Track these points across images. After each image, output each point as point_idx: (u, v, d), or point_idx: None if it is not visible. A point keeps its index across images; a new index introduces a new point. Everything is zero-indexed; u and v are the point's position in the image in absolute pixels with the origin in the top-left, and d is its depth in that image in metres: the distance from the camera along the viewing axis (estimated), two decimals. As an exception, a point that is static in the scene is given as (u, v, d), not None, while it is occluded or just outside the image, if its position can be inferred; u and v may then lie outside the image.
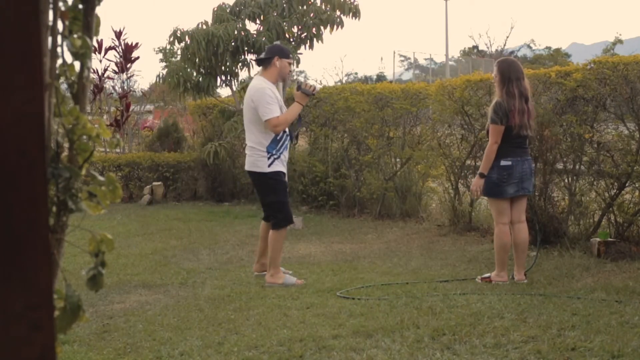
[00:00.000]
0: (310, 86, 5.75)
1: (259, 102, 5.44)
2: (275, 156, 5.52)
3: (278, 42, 6.25)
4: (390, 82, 15.61)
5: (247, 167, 5.67)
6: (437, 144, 8.07)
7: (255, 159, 5.53)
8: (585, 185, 6.70)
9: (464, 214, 7.66)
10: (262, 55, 5.83)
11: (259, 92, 5.48)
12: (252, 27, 9.96)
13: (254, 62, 10.14)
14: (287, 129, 5.63)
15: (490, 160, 5.34)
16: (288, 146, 5.67)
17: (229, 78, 10.23)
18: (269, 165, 5.49)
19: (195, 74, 10.02)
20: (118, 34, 13.30)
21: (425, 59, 50.88)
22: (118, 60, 13.55)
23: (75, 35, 1.15)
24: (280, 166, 5.57)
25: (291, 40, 9.79)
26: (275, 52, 5.68)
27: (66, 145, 1.16)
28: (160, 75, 10.65)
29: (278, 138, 5.53)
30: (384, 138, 8.91)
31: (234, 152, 10.97)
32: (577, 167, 6.70)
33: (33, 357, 0.95)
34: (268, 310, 4.68)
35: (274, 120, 5.42)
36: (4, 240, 0.94)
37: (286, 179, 5.72)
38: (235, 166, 11.19)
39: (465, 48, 48.41)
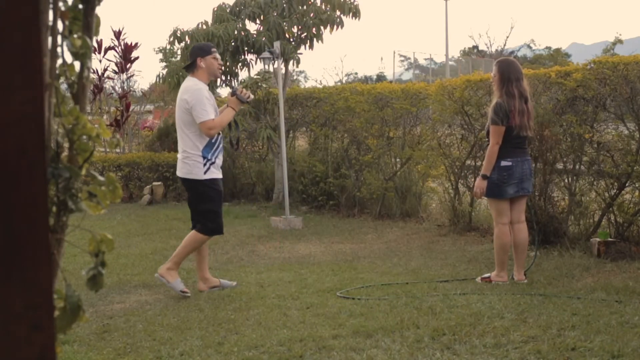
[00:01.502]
0: (246, 93, 5.53)
1: (194, 103, 5.21)
2: (211, 161, 5.31)
3: (201, 44, 5.87)
4: (390, 82, 15.61)
5: (180, 174, 5.42)
6: (437, 144, 8.07)
7: (191, 166, 5.29)
8: (585, 185, 6.70)
9: (464, 214, 7.66)
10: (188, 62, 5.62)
11: (196, 92, 5.25)
12: (252, 27, 9.97)
13: (254, 62, 10.18)
14: (221, 133, 5.45)
15: (492, 161, 5.34)
16: (222, 151, 5.48)
17: (229, 78, 10.24)
18: (205, 172, 5.28)
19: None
20: (118, 34, 13.30)
21: (425, 59, 50.91)
22: (118, 60, 13.55)
23: (75, 35, 1.15)
24: (216, 172, 5.35)
25: (291, 40, 9.79)
26: (197, 53, 5.44)
27: (66, 145, 1.16)
28: (160, 75, 10.66)
29: (213, 141, 5.32)
30: (384, 138, 8.91)
31: (234, 152, 10.97)
32: (577, 167, 6.70)
33: (33, 357, 0.95)
34: (268, 310, 4.68)
35: (209, 122, 5.20)
36: (4, 240, 0.94)
37: (221, 186, 5.47)
38: (235, 166, 11.19)
39: (465, 48, 48.44)
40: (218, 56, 5.52)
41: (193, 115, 5.23)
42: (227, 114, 5.42)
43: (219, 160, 5.40)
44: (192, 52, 5.54)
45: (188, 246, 5.35)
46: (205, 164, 5.29)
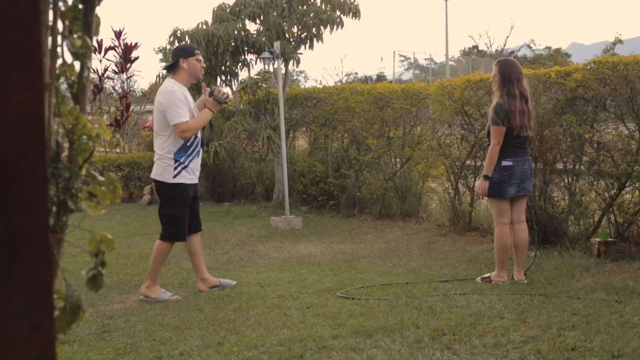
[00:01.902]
0: (224, 94, 5.38)
1: (168, 105, 5.10)
2: (184, 164, 5.19)
3: (184, 45, 5.62)
4: (390, 82, 15.61)
5: (152, 175, 5.34)
6: (437, 144, 8.07)
7: (162, 168, 5.19)
8: (585, 185, 6.70)
9: (464, 214, 7.66)
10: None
11: (170, 94, 5.15)
12: (252, 27, 9.97)
13: (254, 62, 10.17)
14: (198, 135, 5.31)
15: (494, 161, 5.34)
16: (200, 153, 5.36)
17: (229, 78, 10.24)
18: (174, 176, 5.17)
19: (195, 74, 10.00)
20: (118, 34, 13.30)
21: (425, 59, 50.93)
22: (118, 60, 13.55)
23: (75, 35, 1.15)
24: (186, 177, 5.21)
25: (291, 40, 9.79)
26: (179, 54, 5.33)
27: (66, 145, 1.16)
28: (160, 75, 10.65)
29: (188, 145, 5.21)
30: (384, 138, 8.91)
31: (234, 152, 10.97)
32: (577, 167, 6.70)
33: (33, 357, 0.95)
34: (268, 310, 4.68)
35: (182, 125, 5.08)
36: (4, 240, 0.94)
37: (194, 192, 5.34)
38: (235, 166, 11.19)
39: (465, 48, 48.42)
40: (201, 58, 5.44)
41: (167, 118, 5.14)
42: (203, 116, 5.30)
43: (194, 164, 5.28)
44: (175, 53, 5.42)
45: (155, 258, 5.25)
46: (176, 167, 5.18)
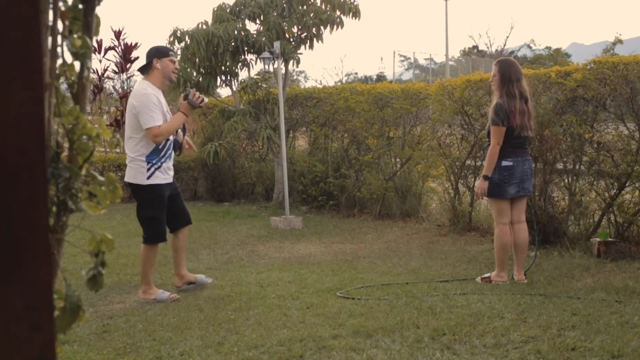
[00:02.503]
0: (199, 97, 5.29)
1: (141, 108, 5.04)
2: (156, 166, 5.15)
3: (159, 46, 5.49)
4: (390, 82, 15.61)
5: (126, 178, 5.26)
6: (437, 144, 8.07)
7: (135, 171, 5.14)
8: (585, 185, 6.70)
9: (464, 214, 7.66)
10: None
11: (144, 97, 5.07)
12: (252, 27, 9.97)
13: (254, 62, 10.18)
14: (170, 137, 5.27)
15: (494, 161, 5.33)
16: (172, 155, 5.33)
17: (229, 78, 10.24)
18: (148, 178, 5.13)
19: (195, 74, 10.02)
20: (118, 34, 13.30)
21: (425, 59, 50.93)
22: (118, 60, 13.54)
23: (75, 35, 1.15)
24: (160, 178, 5.18)
25: (291, 40, 9.79)
26: (153, 55, 5.25)
27: (66, 145, 1.16)
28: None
29: (160, 147, 5.17)
30: (384, 138, 8.91)
31: (234, 152, 10.97)
32: (577, 167, 6.70)
33: (33, 357, 0.95)
34: (268, 310, 4.68)
35: (155, 129, 5.03)
36: (4, 240, 0.94)
37: (169, 192, 5.31)
38: (235, 166, 11.19)
39: (465, 48, 48.41)
40: (175, 60, 5.39)
41: (140, 121, 5.08)
42: (176, 120, 5.24)
43: (166, 165, 5.24)
44: (149, 53, 5.33)
45: (144, 263, 5.24)
46: (149, 169, 5.14)
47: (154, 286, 5.27)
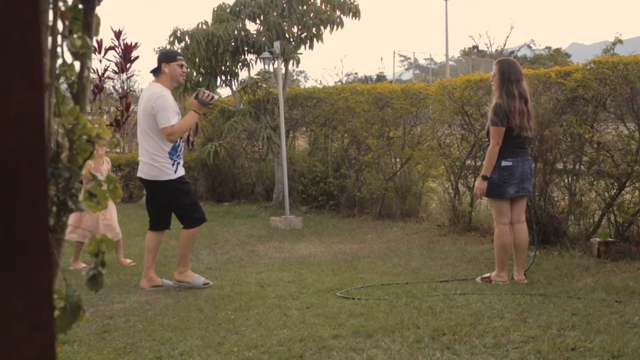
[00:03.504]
0: (208, 95, 5.55)
1: (159, 109, 5.37)
2: (177, 161, 5.51)
3: (167, 50, 6.06)
4: (390, 82, 15.61)
5: (147, 177, 5.51)
6: (437, 144, 8.07)
7: (159, 168, 5.44)
8: (585, 185, 6.70)
9: (464, 214, 7.66)
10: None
11: (161, 99, 5.41)
12: (252, 27, 9.97)
13: (254, 62, 10.18)
14: (181, 137, 5.59)
15: (493, 161, 5.33)
16: (183, 153, 5.66)
17: (229, 78, 10.24)
18: (175, 172, 5.48)
19: (195, 73, 10.03)
20: (118, 34, 13.29)
21: (425, 59, 50.89)
22: (118, 60, 13.54)
23: (75, 35, 1.15)
24: (182, 170, 5.57)
25: (291, 40, 9.79)
26: (162, 59, 5.60)
27: (66, 145, 1.16)
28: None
29: (176, 144, 5.51)
30: (384, 138, 8.91)
31: (234, 152, 10.97)
32: (577, 167, 6.70)
33: (33, 357, 0.95)
34: (268, 310, 4.68)
35: (168, 129, 5.36)
36: (4, 240, 0.94)
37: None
38: (235, 166, 11.19)
39: (465, 48, 48.42)
40: (183, 63, 5.68)
41: (157, 120, 5.39)
42: (188, 118, 5.55)
43: (181, 160, 5.60)
44: (158, 58, 5.70)
45: (186, 244, 5.58)
46: (173, 164, 5.47)
47: (190, 270, 5.60)
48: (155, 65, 5.62)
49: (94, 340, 4.17)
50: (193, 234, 5.61)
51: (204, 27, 9.86)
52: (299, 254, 6.87)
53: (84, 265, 6.22)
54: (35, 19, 0.96)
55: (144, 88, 6.59)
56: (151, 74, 5.72)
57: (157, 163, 5.44)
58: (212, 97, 5.59)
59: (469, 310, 4.52)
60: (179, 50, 9.90)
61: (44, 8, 1.00)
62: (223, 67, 9.99)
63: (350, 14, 9.50)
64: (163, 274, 6.00)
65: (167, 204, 5.58)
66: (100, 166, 6.50)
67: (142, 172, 5.54)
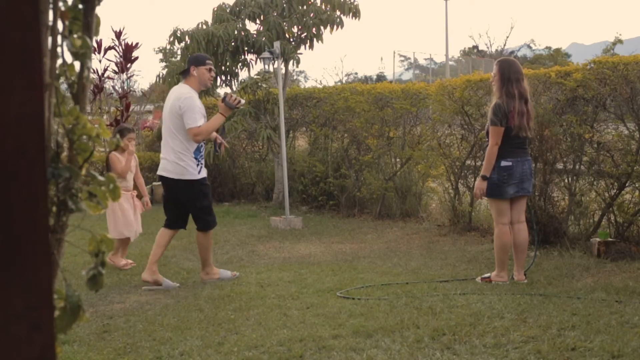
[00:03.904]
0: (235, 99, 5.69)
1: (186, 110, 5.49)
2: (201, 162, 5.66)
3: (198, 54, 6.20)
4: (390, 82, 15.61)
5: (170, 175, 5.60)
6: (437, 144, 8.07)
7: (184, 167, 5.57)
8: (585, 185, 6.70)
9: (464, 214, 7.66)
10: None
11: (189, 100, 5.54)
12: (252, 27, 9.97)
13: (254, 62, 10.18)
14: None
15: (492, 161, 5.33)
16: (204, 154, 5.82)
17: (229, 78, 10.24)
18: (199, 172, 5.63)
19: (195, 74, 10.00)
20: (118, 34, 13.29)
21: (425, 59, 50.89)
22: (118, 60, 13.54)
23: (75, 35, 1.15)
24: (204, 172, 5.72)
25: (291, 40, 9.79)
26: (191, 62, 5.78)
27: (66, 145, 1.16)
28: (160, 75, 10.66)
29: (199, 145, 5.66)
30: (384, 138, 8.91)
31: (234, 152, 10.97)
32: (577, 167, 6.70)
33: (33, 357, 0.95)
34: (268, 310, 4.68)
35: (195, 129, 5.49)
36: (4, 240, 0.94)
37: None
38: (235, 166, 11.19)
39: (465, 48, 48.41)
40: (212, 68, 5.81)
41: (184, 120, 5.51)
42: (215, 120, 5.69)
43: (203, 161, 5.75)
44: (189, 60, 5.88)
45: (205, 246, 5.73)
46: (197, 165, 5.61)
47: (214, 267, 5.78)
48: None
49: (94, 340, 4.17)
50: (209, 237, 5.73)
51: (204, 27, 9.86)
52: (299, 254, 6.87)
53: (125, 262, 6.38)
54: (35, 19, 0.96)
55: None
56: (180, 75, 5.95)
57: (182, 162, 5.56)
58: (239, 101, 5.71)
59: (469, 310, 4.52)
60: (179, 51, 9.92)
61: (44, 8, 1.00)
62: (223, 67, 9.99)
63: (350, 14, 9.50)
64: (163, 274, 6.00)
65: (185, 204, 5.68)
66: (130, 163, 6.64)
67: (166, 171, 5.64)
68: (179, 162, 5.56)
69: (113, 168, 6.47)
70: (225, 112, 5.69)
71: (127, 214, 6.52)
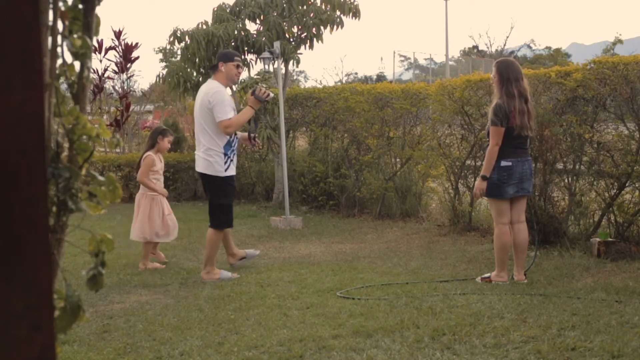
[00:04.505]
0: (264, 92, 5.88)
1: (216, 103, 5.65)
2: (231, 158, 5.78)
3: (227, 50, 6.51)
4: (390, 82, 15.61)
5: (201, 169, 5.82)
6: (437, 144, 8.07)
7: (213, 162, 5.72)
8: (585, 185, 6.70)
9: (464, 214, 7.66)
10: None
11: (218, 94, 5.71)
12: (252, 27, 9.97)
13: (254, 62, 10.17)
14: (236, 132, 5.89)
15: (492, 162, 5.34)
16: (236, 150, 5.96)
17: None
18: (226, 170, 5.75)
19: (195, 74, 10.02)
20: (118, 34, 13.30)
21: (425, 59, 50.88)
22: (118, 60, 13.54)
23: (75, 35, 1.15)
24: (233, 169, 5.83)
25: (291, 40, 9.79)
26: (220, 58, 5.96)
27: (66, 145, 1.16)
28: (160, 75, 10.65)
29: (230, 140, 5.78)
30: (384, 138, 8.91)
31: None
32: (577, 167, 6.70)
33: (33, 357, 0.95)
34: (268, 310, 4.68)
35: (225, 121, 5.63)
36: (4, 240, 0.94)
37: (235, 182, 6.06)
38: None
39: (465, 48, 48.41)
40: (240, 64, 5.95)
41: (214, 114, 5.66)
42: (244, 113, 5.85)
43: (235, 158, 5.89)
44: (218, 56, 6.08)
45: (212, 245, 5.79)
46: (226, 162, 5.75)
47: (216, 268, 5.85)
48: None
49: (94, 340, 4.17)
50: (219, 235, 5.82)
51: (204, 27, 9.86)
52: (299, 254, 6.87)
53: (155, 264, 6.42)
54: (35, 19, 0.96)
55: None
56: (210, 71, 6.10)
57: (210, 158, 5.71)
58: (268, 95, 5.90)
59: (469, 310, 4.52)
60: (179, 51, 9.92)
61: (44, 8, 1.00)
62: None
63: (350, 14, 9.49)
64: (163, 274, 6.00)
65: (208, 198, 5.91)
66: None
67: (198, 166, 5.86)
68: (207, 158, 5.72)
69: (146, 169, 6.45)
70: (255, 105, 5.86)
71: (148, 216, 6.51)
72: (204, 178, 5.87)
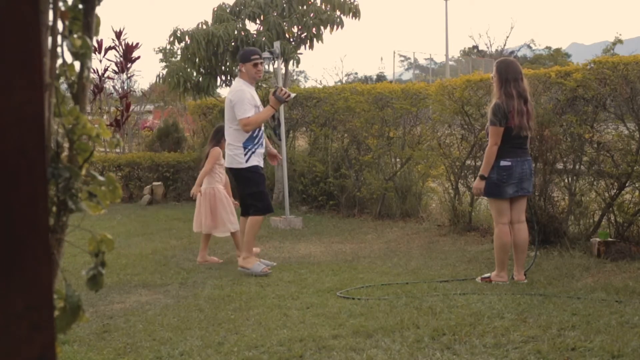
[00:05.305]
0: (285, 93, 6.08)
1: (236, 102, 5.94)
2: (252, 150, 5.98)
3: (245, 50, 6.56)
4: (390, 82, 15.61)
5: (227, 164, 6.16)
6: (437, 144, 8.07)
7: (233, 155, 6.01)
8: (585, 185, 6.69)
9: (464, 214, 7.66)
10: None
11: (239, 93, 5.99)
12: (252, 27, 9.98)
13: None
14: (262, 128, 6.15)
15: (491, 161, 5.34)
16: (264, 144, 6.17)
17: (229, 78, 10.23)
18: (247, 161, 5.97)
19: (195, 74, 10.03)
20: (118, 34, 13.30)
21: (425, 59, 50.91)
22: (118, 60, 13.55)
23: (75, 35, 1.15)
24: (256, 160, 6.03)
25: (291, 40, 9.79)
26: (239, 60, 6.29)
27: (66, 145, 1.16)
28: (160, 75, 10.65)
29: (254, 135, 6.02)
30: (384, 138, 8.91)
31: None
32: (577, 167, 6.69)
33: (33, 357, 0.95)
34: (268, 310, 4.68)
35: (244, 120, 5.90)
36: (4, 240, 0.94)
37: (264, 172, 6.21)
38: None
39: (465, 48, 48.41)
40: (257, 62, 6.13)
41: (234, 112, 5.95)
42: (265, 112, 6.12)
43: (260, 150, 6.08)
44: (238, 57, 6.47)
45: (250, 231, 6.00)
46: (246, 154, 5.97)
47: (254, 256, 6.02)
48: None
49: (94, 340, 4.17)
50: (258, 221, 6.02)
51: (204, 27, 9.86)
52: (299, 254, 6.87)
53: (213, 258, 6.57)
54: (35, 19, 0.96)
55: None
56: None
57: (231, 152, 6.02)
58: (289, 95, 6.11)
59: (469, 310, 4.52)
60: (179, 51, 9.92)
61: (44, 8, 1.00)
62: (223, 67, 9.99)
63: (350, 14, 9.50)
64: (163, 274, 6.00)
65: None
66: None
67: (225, 162, 6.22)
68: (229, 152, 6.05)
69: (213, 161, 6.57)
70: (275, 105, 6.11)
71: (200, 209, 6.61)
72: (231, 172, 6.16)
